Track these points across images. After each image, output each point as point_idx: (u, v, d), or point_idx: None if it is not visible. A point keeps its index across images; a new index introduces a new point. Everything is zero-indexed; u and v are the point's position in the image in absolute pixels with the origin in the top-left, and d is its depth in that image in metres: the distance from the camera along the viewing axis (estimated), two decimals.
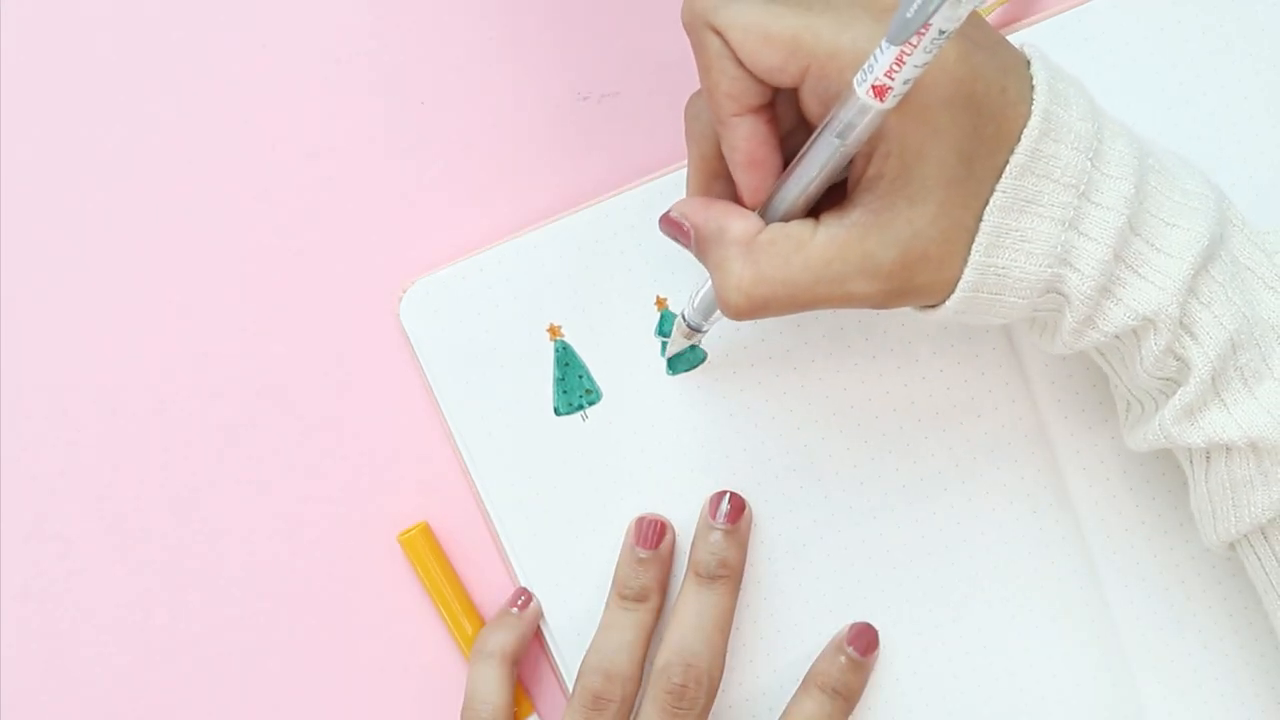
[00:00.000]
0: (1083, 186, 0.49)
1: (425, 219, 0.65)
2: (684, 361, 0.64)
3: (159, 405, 0.66)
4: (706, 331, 0.60)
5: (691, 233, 0.54)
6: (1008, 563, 0.64)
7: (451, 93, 0.65)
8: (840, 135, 0.48)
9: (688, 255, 0.62)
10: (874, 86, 0.45)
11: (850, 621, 0.64)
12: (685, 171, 0.61)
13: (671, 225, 0.55)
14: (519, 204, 0.65)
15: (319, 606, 0.66)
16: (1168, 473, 0.63)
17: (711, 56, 0.50)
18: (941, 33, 0.42)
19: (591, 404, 0.64)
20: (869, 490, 0.64)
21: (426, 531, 0.65)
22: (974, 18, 0.49)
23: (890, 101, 0.46)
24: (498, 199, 0.65)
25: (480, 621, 0.65)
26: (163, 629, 0.66)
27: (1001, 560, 0.64)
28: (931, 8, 0.42)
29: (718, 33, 0.50)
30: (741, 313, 0.52)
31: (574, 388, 0.64)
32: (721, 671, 0.62)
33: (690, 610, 0.62)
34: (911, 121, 0.48)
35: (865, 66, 0.45)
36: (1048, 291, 0.51)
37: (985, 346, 0.63)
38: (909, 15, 0.42)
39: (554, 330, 0.64)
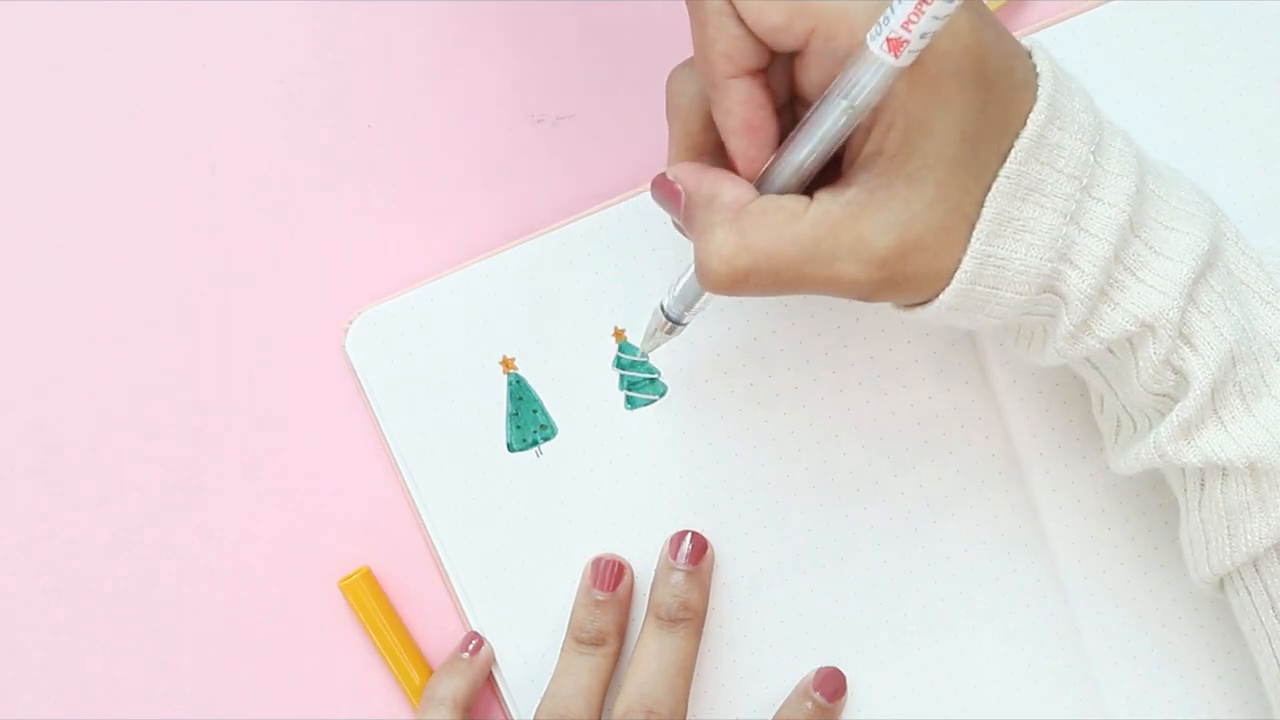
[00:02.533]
0: (1086, 179, 0.49)
1: (372, 247, 0.65)
2: (643, 396, 0.63)
3: (92, 443, 0.66)
4: (686, 325, 0.58)
5: (682, 197, 0.52)
6: (981, 605, 0.64)
7: (400, 115, 0.65)
8: (848, 97, 0.46)
9: (647, 285, 0.63)
10: (889, 39, 0.44)
11: (817, 666, 0.63)
12: (645, 196, 0.62)
13: (663, 188, 0.52)
14: (470, 231, 0.65)
15: (260, 656, 0.66)
16: (1146, 511, 0.63)
17: (710, 13, 0.48)
18: None
19: (546, 440, 0.63)
20: (835, 530, 0.63)
21: (368, 577, 0.64)
22: (976, 4, 0.48)
23: (905, 58, 0.45)
24: (448, 225, 0.65)
25: (428, 670, 0.65)
26: (96, 677, 0.66)
27: (975, 602, 0.64)
28: None
29: None
30: (720, 282, 0.50)
31: (528, 423, 0.63)
32: (684, 718, 0.61)
33: (651, 654, 0.61)
34: (920, 90, 0.47)
35: (880, 19, 0.44)
36: (1044, 291, 0.49)
37: (957, 382, 0.63)
38: None
39: (507, 363, 0.63)
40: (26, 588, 0.66)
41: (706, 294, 0.54)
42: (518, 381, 0.63)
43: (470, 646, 0.63)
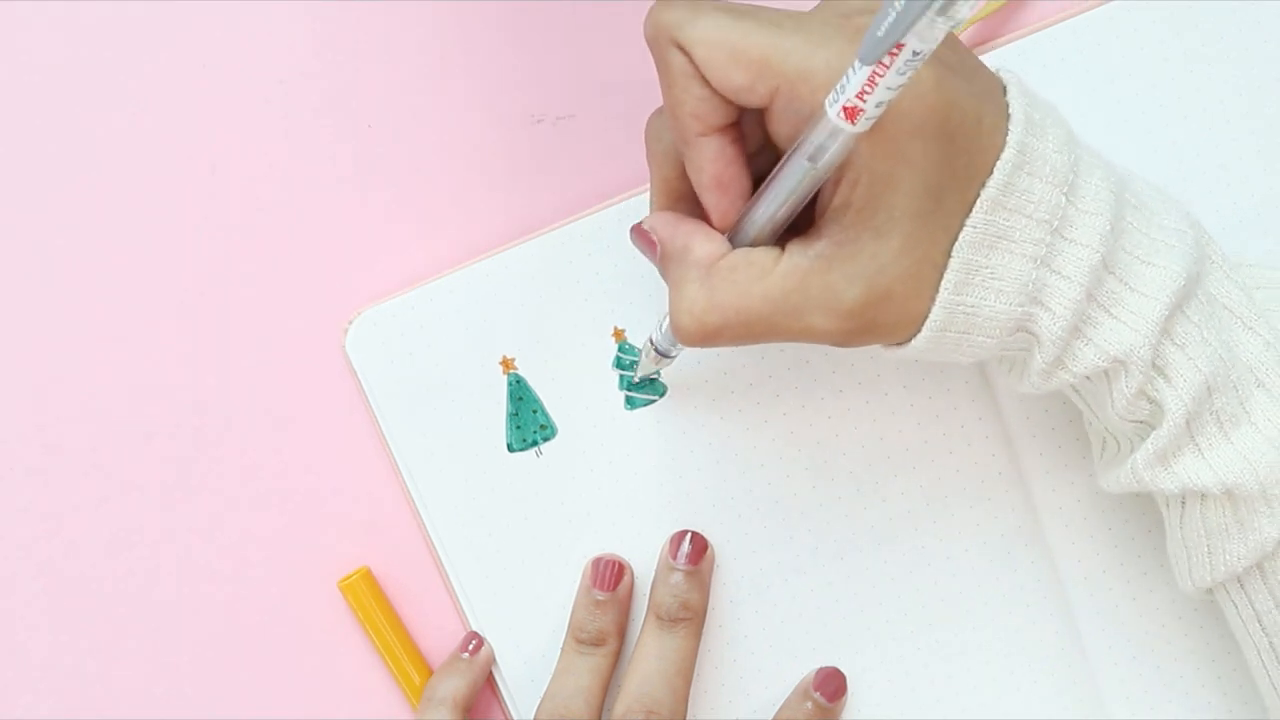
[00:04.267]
0: (1056, 222, 0.49)
1: (372, 247, 0.65)
2: (642, 396, 0.63)
3: (92, 443, 0.66)
4: (675, 357, 0.59)
5: (658, 247, 0.53)
6: (980, 606, 0.64)
7: (400, 115, 0.65)
8: (811, 159, 0.47)
9: (647, 285, 0.63)
10: (845, 108, 0.44)
11: (817, 666, 0.63)
12: (644, 196, 0.63)
13: (640, 236, 0.54)
14: (470, 231, 0.65)
15: (260, 656, 0.66)
16: (1147, 512, 0.63)
17: (675, 75, 0.49)
18: (916, 54, 0.41)
19: (546, 440, 0.64)
20: (835, 530, 0.64)
21: (368, 577, 0.64)
22: (950, 39, 0.48)
23: (862, 124, 0.45)
24: (448, 225, 0.65)
25: (428, 670, 0.65)
26: (96, 677, 0.66)
27: (974, 603, 0.64)
28: (903, 27, 0.40)
29: (683, 49, 0.49)
30: (692, 338, 0.51)
31: (528, 423, 0.63)
32: (684, 719, 0.60)
33: (651, 654, 0.61)
34: (881, 149, 0.47)
35: (837, 87, 0.44)
36: (1017, 330, 0.50)
37: (957, 381, 0.63)
38: (879, 34, 0.41)
39: (507, 363, 0.63)
40: (26, 588, 0.66)
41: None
42: (518, 381, 0.63)
43: (470, 646, 0.63)
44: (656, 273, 0.62)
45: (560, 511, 0.64)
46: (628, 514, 0.64)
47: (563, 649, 0.62)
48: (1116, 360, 0.49)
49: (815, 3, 0.52)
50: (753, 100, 0.48)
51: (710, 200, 0.51)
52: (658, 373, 0.63)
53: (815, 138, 0.46)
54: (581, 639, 0.61)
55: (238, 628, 0.66)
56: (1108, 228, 0.49)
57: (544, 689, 0.62)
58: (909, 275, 0.48)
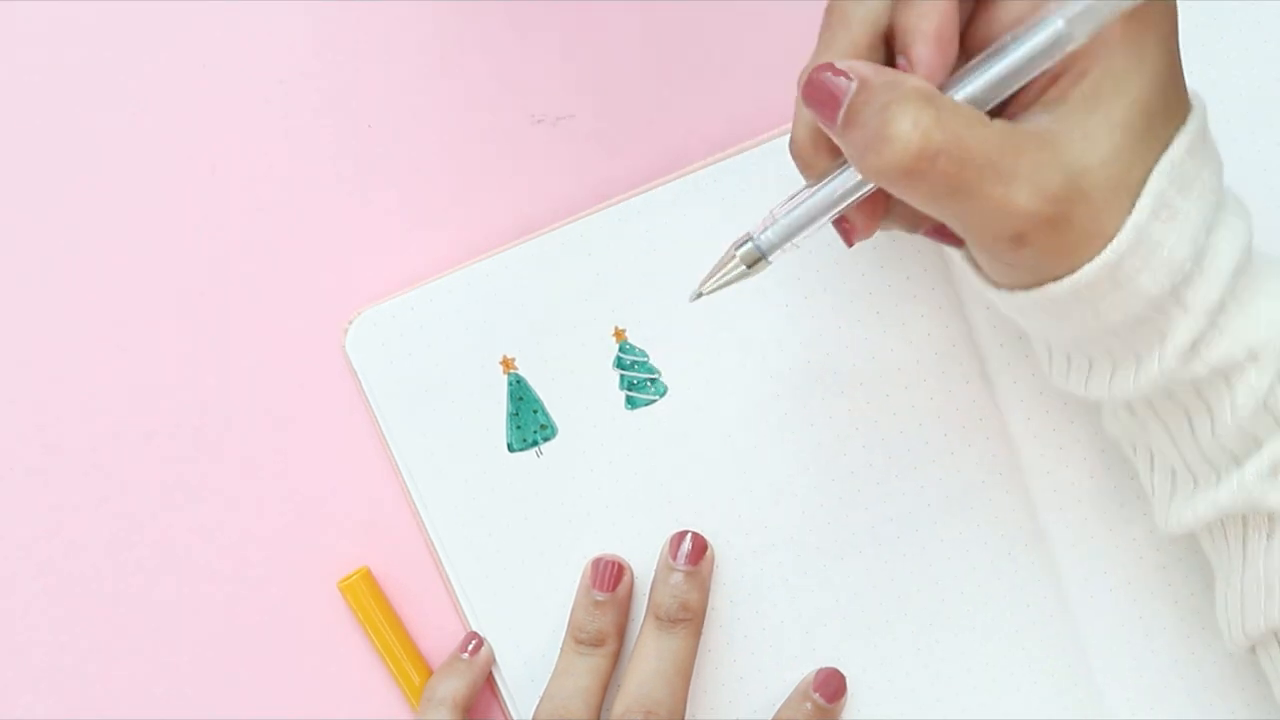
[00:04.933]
0: (1219, 197, 0.48)
1: (372, 247, 0.65)
2: (643, 396, 0.63)
3: (92, 443, 0.66)
4: (770, 263, 0.52)
5: (848, 88, 0.47)
6: (981, 605, 0.64)
7: (400, 115, 0.65)
8: (1069, 21, 0.45)
9: (647, 285, 0.62)
10: None
11: (817, 666, 0.63)
12: (648, 195, 0.63)
13: (821, 83, 0.47)
14: (470, 231, 0.65)
15: (260, 656, 0.66)
16: (1149, 512, 0.62)
17: None
18: None
19: (546, 440, 0.64)
20: (836, 531, 0.63)
21: (368, 577, 0.64)
22: None
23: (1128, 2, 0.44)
24: (448, 225, 0.65)
25: (428, 670, 0.65)
26: (96, 677, 0.66)
27: (975, 604, 0.64)
28: None
29: None
30: (909, 153, 0.45)
31: (528, 423, 0.63)
32: (683, 719, 0.61)
33: (650, 655, 0.61)
34: (1127, 44, 0.46)
35: None
36: (1168, 299, 0.48)
37: (959, 382, 0.63)
38: None
39: (507, 363, 0.63)
40: (26, 588, 0.66)
41: (814, 223, 0.51)
42: (518, 381, 0.63)
43: (470, 647, 0.63)
44: (656, 274, 0.62)
45: (560, 511, 0.63)
46: (628, 514, 0.64)
47: (562, 649, 0.62)
48: (1251, 353, 0.48)
49: None
50: None
51: (926, 54, 0.48)
52: (652, 381, 0.63)
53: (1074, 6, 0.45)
54: (581, 639, 0.61)
55: (238, 628, 0.66)
56: (1247, 225, 0.48)
57: (543, 689, 0.62)
58: (1109, 185, 0.46)
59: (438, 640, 0.65)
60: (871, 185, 0.49)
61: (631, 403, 0.63)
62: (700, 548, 0.61)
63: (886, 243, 0.62)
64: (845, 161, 0.49)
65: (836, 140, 0.48)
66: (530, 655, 0.64)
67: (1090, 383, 0.52)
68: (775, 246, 0.51)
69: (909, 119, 0.45)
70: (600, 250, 0.63)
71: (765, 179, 0.63)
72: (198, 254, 0.65)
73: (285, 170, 0.65)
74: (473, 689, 0.62)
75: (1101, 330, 0.49)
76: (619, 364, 0.63)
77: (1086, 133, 0.46)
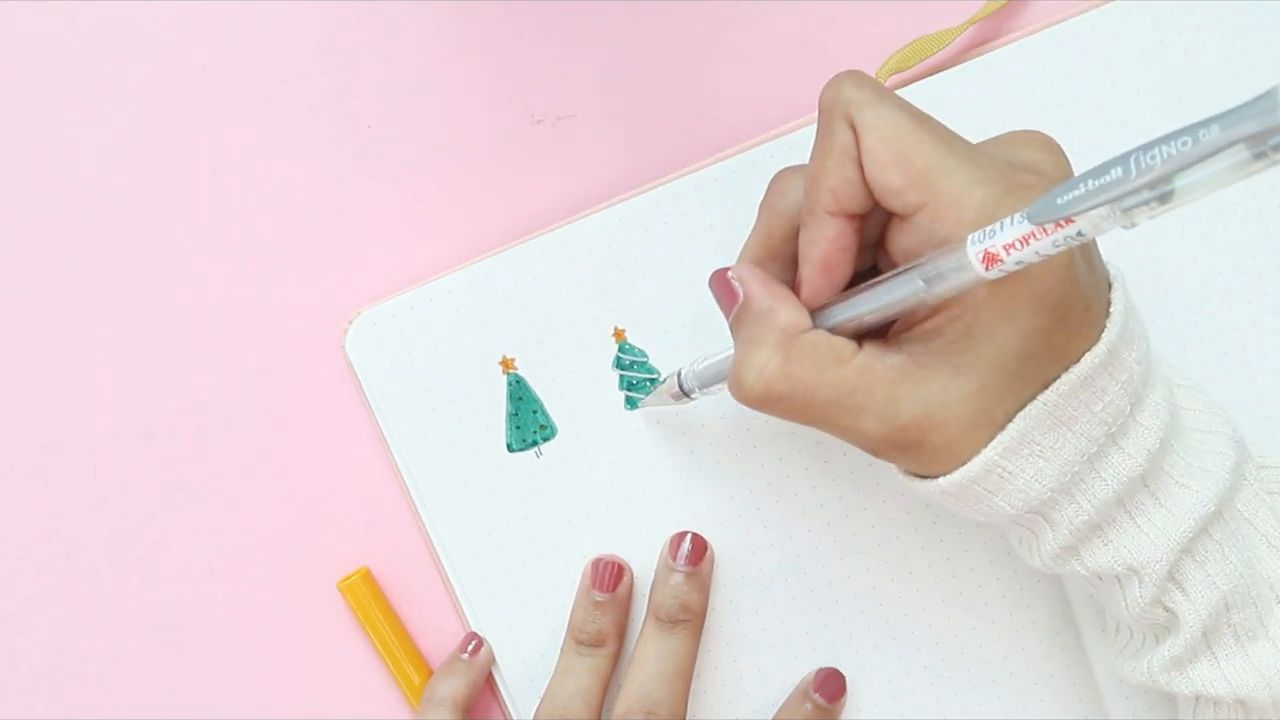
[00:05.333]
0: (1115, 428, 0.49)
1: (372, 247, 0.65)
2: (642, 396, 0.63)
3: (92, 443, 0.66)
4: (693, 400, 0.59)
5: (739, 300, 0.52)
6: (981, 606, 0.64)
7: (400, 115, 0.65)
8: (928, 281, 0.47)
9: (647, 285, 0.63)
10: (987, 252, 0.45)
11: (817, 666, 0.63)
12: (646, 195, 0.63)
13: (721, 285, 0.53)
14: (470, 231, 0.65)
15: (260, 656, 0.66)
16: None
17: (835, 149, 0.49)
18: (1079, 235, 0.42)
19: (546, 440, 0.64)
20: (835, 530, 0.63)
21: (368, 578, 0.64)
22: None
23: (994, 273, 0.45)
24: (448, 226, 0.65)
25: (428, 670, 0.65)
26: (96, 677, 0.66)
27: (974, 603, 0.64)
28: (1083, 207, 0.41)
29: (854, 129, 0.49)
30: (751, 398, 0.51)
31: (528, 423, 0.63)
32: (684, 719, 0.61)
33: (650, 656, 0.61)
34: (996, 301, 0.47)
35: (986, 230, 0.45)
36: (1033, 512, 0.51)
37: None
38: (1059, 202, 0.42)
39: (507, 363, 0.63)
40: (26, 588, 0.66)
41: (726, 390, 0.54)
42: (517, 382, 0.63)
43: (470, 647, 0.63)
44: (656, 274, 0.62)
45: (560, 512, 0.63)
46: (628, 514, 0.63)
47: (562, 650, 0.62)
48: (1131, 569, 0.50)
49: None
50: (895, 205, 0.48)
51: (810, 276, 0.51)
52: (653, 380, 0.63)
53: (940, 265, 0.47)
54: (581, 640, 0.61)
55: (238, 628, 0.66)
56: (1156, 445, 0.50)
57: (544, 689, 0.62)
58: (968, 419, 0.48)
59: (438, 640, 0.65)
60: None
61: (631, 403, 0.63)
62: (700, 548, 0.61)
63: None
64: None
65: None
66: (530, 655, 0.64)
67: (1013, 546, 0.55)
68: (694, 390, 0.58)
69: (756, 367, 0.50)
70: (600, 250, 0.63)
71: (765, 179, 0.62)
72: (198, 254, 0.65)
73: (285, 170, 0.65)
74: (472, 689, 0.62)
75: (987, 521, 0.52)
76: (619, 364, 0.63)
77: (956, 367, 0.48)
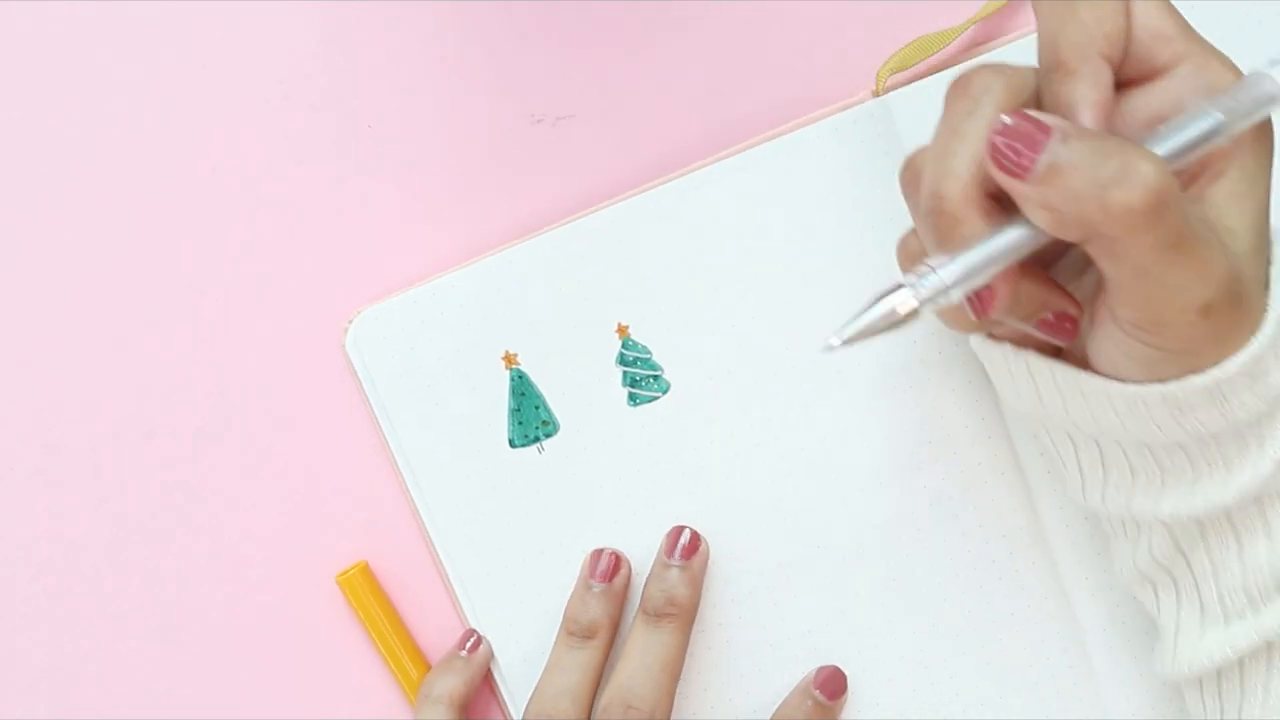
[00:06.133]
0: None
1: (373, 246, 0.66)
2: (645, 393, 0.64)
3: (92, 443, 0.66)
4: (919, 316, 0.48)
5: (1055, 134, 0.46)
6: (982, 606, 0.64)
7: (400, 115, 0.66)
8: (1229, 115, 0.47)
9: (650, 282, 0.64)
10: None
11: (817, 665, 0.63)
12: (648, 193, 0.63)
13: (1019, 131, 0.46)
14: (470, 231, 0.66)
15: (259, 653, 0.67)
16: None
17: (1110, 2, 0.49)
18: None
19: (548, 436, 0.64)
20: (837, 529, 0.64)
21: (366, 571, 0.65)
22: None
23: None
24: (448, 225, 0.66)
25: (426, 666, 0.65)
26: (96, 677, 0.66)
27: (975, 603, 0.64)
28: None
29: None
30: (1150, 192, 0.44)
31: (530, 419, 0.64)
32: (668, 716, 0.61)
33: (636, 650, 0.61)
34: (1256, 147, 0.49)
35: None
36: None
37: (959, 380, 0.64)
38: None
39: (509, 359, 0.64)
40: (26, 588, 0.66)
41: (1004, 259, 0.48)
42: (520, 377, 0.64)
43: (468, 644, 0.63)
44: (662, 269, 0.63)
45: (561, 508, 0.64)
46: (629, 511, 0.64)
47: (555, 642, 0.62)
48: None
49: None
50: (1163, 54, 0.49)
51: (1092, 122, 0.48)
52: (655, 377, 0.63)
53: (1238, 97, 0.47)
54: (573, 630, 0.61)
55: (238, 626, 0.66)
56: None
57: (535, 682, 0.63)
58: (1252, 279, 0.48)
59: (437, 637, 0.66)
60: (1039, 241, 0.48)
61: (634, 399, 0.64)
62: (694, 543, 0.62)
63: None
64: (1002, 222, 0.48)
65: (1023, 188, 0.47)
66: (529, 652, 0.64)
67: (1137, 497, 0.53)
68: (961, 280, 0.48)
69: (1149, 160, 0.45)
70: (603, 247, 0.63)
71: (770, 176, 0.63)
72: (198, 253, 0.66)
73: (285, 170, 0.65)
74: (470, 686, 0.63)
75: (1199, 435, 0.50)
76: (622, 360, 0.64)
77: (1231, 229, 0.48)
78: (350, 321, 0.64)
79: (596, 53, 0.65)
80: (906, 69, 0.64)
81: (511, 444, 0.64)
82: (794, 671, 0.63)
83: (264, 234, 0.66)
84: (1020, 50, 0.63)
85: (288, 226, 0.66)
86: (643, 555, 0.64)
